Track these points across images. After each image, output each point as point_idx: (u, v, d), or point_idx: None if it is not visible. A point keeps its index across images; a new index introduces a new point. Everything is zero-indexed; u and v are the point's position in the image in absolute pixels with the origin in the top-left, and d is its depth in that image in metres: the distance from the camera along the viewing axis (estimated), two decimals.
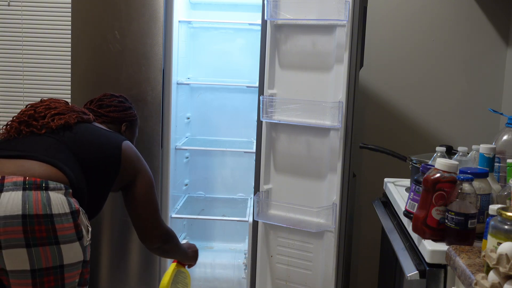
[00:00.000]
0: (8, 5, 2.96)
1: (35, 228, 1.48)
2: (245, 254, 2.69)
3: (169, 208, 2.49)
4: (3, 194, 1.48)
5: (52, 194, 1.52)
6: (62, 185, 1.55)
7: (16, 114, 1.75)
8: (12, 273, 1.49)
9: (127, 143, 1.84)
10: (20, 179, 1.50)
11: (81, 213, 1.59)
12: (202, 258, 2.83)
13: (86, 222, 1.62)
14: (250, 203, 2.74)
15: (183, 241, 2.18)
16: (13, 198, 1.47)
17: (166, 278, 2.05)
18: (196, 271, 2.79)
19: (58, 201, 1.52)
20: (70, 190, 1.58)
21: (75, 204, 1.57)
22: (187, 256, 2.13)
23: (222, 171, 2.98)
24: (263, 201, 2.31)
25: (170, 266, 2.10)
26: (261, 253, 2.36)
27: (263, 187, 2.32)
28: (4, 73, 2.99)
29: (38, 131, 1.66)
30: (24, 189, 1.49)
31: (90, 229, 1.64)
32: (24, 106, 1.79)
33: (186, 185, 2.95)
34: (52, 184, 1.53)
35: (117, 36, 2.18)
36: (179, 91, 2.62)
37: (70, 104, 1.85)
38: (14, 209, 1.47)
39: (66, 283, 1.56)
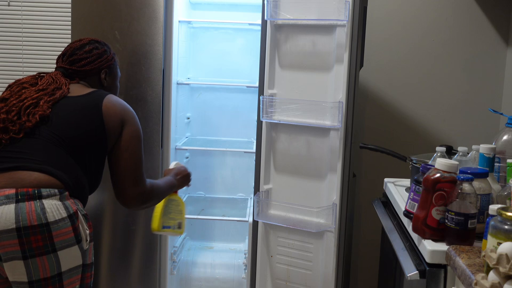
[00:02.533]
0: (8, 5, 2.96)
1: (31, 239, 1.48)
2: (245, 254, 2.69)
3: None
4: None
5: (46, 202, 1.51)
6: (56, 190, 1.54)
7: None
8: (14, 283, 1.51)
9: (106, 100, 1.72)
10: (12, 191, 1.49)
11: (80, 215, 1.58)
12: (202, 258, 2.84)
13: (85, 224, 1.61)
14: (250, 203, 2.74)
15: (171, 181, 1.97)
16: (6, 212, 1.47)
17: (157, 214, 1.94)
18: (196, 271, 2.79)
19: (54, 207, 1.51)
20: (66, 193, 1.56)
21: (73, 206, 1.56)
22: (176, 186, 2.00)
23: (222, 171, 2.98)
24: (263, 201, 2.31)
25: None
26: (261, 253, 2.36)
27: (263, 187, 2.32)
28: (4, 73, 2.99)
29: (17, 136, 1.60)
30: (17, 201, 1.48)
31: (88, 231, 1.61)
32: None
33: None
34: (45, 191, 1.52)
35: (117, 36, 2.18)
36: (179, 91, 2.62)
37: (38, 77, 1.76)
38: (7, 223, 1.46)
39: None
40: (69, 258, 1.54)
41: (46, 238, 1.49)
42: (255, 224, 2.35)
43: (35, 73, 1.83)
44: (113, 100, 1.76)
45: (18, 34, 2.98)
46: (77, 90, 1.76)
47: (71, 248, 1.54)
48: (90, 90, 1.78)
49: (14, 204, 1.47)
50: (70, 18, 2.40)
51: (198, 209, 2.80)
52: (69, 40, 2.42)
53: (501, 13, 2.75)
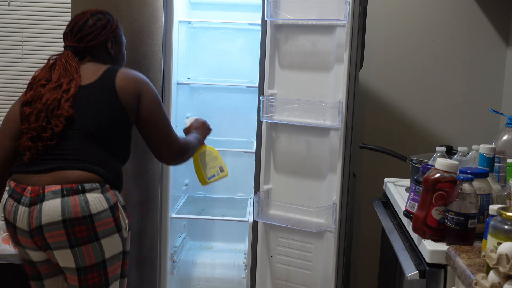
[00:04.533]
0: (8, 5, 2.96)
1: (76, 230, 1.63)
2: (245, 254, 2.69)
3: (169, 208, 2.49)
4: (44, 203, 1.62)
5: (89, 195, 1.65)
6: (97, 184, 1.68)
7: (24, 126, 1.75)
8: (64, 269, 1.70)
9: (119, 79, 1.80)
10: (58, 187, 1.63)
11: (119, 206, 1.73)
12: (202, 258, 2.84)
13: (124, 214, 1.76)
14: (250, 203, 2.74)
15: (190, 139, 2.10)
16: (53, 206, 1.62)
17: (199, 171, 2.17)
18: (196, 271, 2.79)
19: (96, 200, 1.66)
20: (107, 185, 1.71)
21: (113, 198, 1.71)
22: (202, 139, 2.19)
23: None
24: (263, 201, 2.31)
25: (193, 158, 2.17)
26: (261, 253, 2.36)
27: (263, 187, 2.32)
28: (4, 73, 2.99)
29: (51, 142, 1.70)
30: (62, 196, 1.63)
31: (127, 221, 1.76)
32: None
33: (186, 185, 2.95)
34: (87, 186, 1.66)
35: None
36: (179, 91, 2.61)
37: (51, 66, 1.81)
38: (55, 216, 1.62)
39: (109, 277, 1.71)
40: (111, 245, 1.69)
41: (90, 228, 1.64)
42: (255, 224, 2.35)
43: (41, 65, 1.86)
44: (125, 76, 1.82)
45: (18, 34, 2.98)
46: (89, 73, 1.81)
47: (112, 236, 1.69)
48: (100, 70, 1.83)
49: (60, 199, 1.62)
50: (70, 18, 2.39)
51: (198, 209, 2.80)
52: None
53: (501, 13, 2.75)
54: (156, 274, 2.47)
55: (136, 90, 1.82)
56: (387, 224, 1.94)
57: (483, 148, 1.63)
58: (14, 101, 3.02)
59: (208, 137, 2.90)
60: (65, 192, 1.63)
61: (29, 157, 1.70)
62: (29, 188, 1.65)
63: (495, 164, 1.67)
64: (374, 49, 2.76)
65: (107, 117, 1.77)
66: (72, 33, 1.87)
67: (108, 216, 1.68)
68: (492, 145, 1.65)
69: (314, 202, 2.25)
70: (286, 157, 2.30)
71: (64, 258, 1.67)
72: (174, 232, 2.67)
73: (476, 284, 1.15)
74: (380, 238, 2.26)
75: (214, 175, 2.22)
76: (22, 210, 1.65)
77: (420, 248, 1.53)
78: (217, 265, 2.81)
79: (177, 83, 2.55)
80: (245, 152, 2.68)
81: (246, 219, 2.55)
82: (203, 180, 2.21)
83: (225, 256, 2.87)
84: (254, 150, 2.39)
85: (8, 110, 1.89)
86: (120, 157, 1.85)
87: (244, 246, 2.86)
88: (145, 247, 2.44)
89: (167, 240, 2.49)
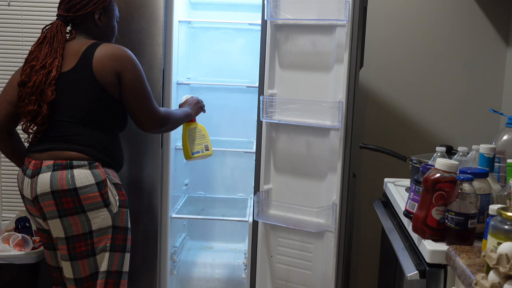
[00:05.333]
0: (8, 5, 2.96)
1: (63, 201, 1.80)
2: (245, 254, 2.69)
3: (169, 208, 2.49)
4: (39, 176, 1.82)
5: (76, 171, 1.81)
6: (86, 162, 1.83)
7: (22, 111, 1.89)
8: (57, 239, 1.85)
9: (95, 61, 1.85)
10: (51, 162, 1.82)
11: (109, 183, 1.85)
12: (202, 258, 2.84)
13: (115, 191, 1.88)
14: (250, 203, 2.74)
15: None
16: (44, 178, 1.81)
17: (184, 144, 2.31)
18: (196, 271, 2.79)
19: (82, 175, 1.81)
20: (96, 163, 1.85)
21: (102, 175, 1.84)
22: (192, 115, 2.29)
23: (222, 171, 2.98)
24: (263, 201, 2.31)
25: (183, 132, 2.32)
26: (261, 253, 2.36)
27: (263, 187, 2.32)
28: (4, 73, 2.99)
29: (42, 127, 1.86)
30: (53, 170, 1.81)
31: (117, 198, 1.87)
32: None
33: (186, 185, 2.95)
34: (76, 162, 1.82)
35: (117, 36, 2.18)
36: (179, 91, 2.61)
37: (42, 41, 1.91)
38: (45, 187, 1.80)
39: (96, 247, 1.83)
40: (99, 219, 1.83)
41: (75, 200, 1.80)
42: (255, 224, 2.35)
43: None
44: (101, 57, 1.87)
45: (18, 34, 2.98)
46: (71, 54, 1.88)
47: (99, 210, 1.82)
48: (80, 51, 1.88)
49: (51, 172, 1.80)
50: None
51: (198, 209, 2.80)
52: None
53: (501, 13, 2.75)
54: (156, 274, 2.47)
55: (115, 69, 1.87)
56: (387, 224, 1.94)
57: (483, 148, 1.63)
58: None
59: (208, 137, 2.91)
60: (55, 167, 1.81)
61: (29, 139, 1.92)
62: (33, 161, 1.86)
63: (495, 164, 1.67)
64: (374, 49, 2.76)
65: (90, 100, 1.87)
66: (64, 2, 1.95)
67: (94, 190, 1.81)
68: (492, 145, 1.65)
69: (314, 202, 2.25)
70: (286, 157, 2.30)
71: (55, 227, 1.83)
72: (174, 232, 2.67)
73: (476, 284, 1.15)
74: (380, 238, 2.26)
75: (199, 152, 2.36)
76: (26, 181, 1.86)
77: (420, 248, 1.53)
78: (217, 265, 2.81)
79: (177, 83, 2.55)
80: (245, 152, 2.67)
81: (246, 219, 2.55)
82: (187, 154, 2.34)
83: (225, 256, 2.87)
84: (254, 150, 2.39)
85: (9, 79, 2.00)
86: (116, 130, 1.98)
87: (244, 246, 2.86)
88: (145, 247, 2.44)
89: (167, 240, 2.49)
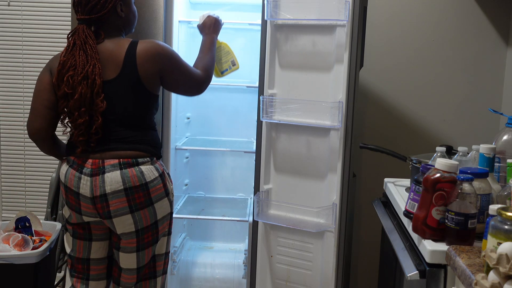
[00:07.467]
0: (8, 5, 2.96)
1: (135, 196, 1.88)
2: (245, 254, 2.69)
3: None
4: (106, 175, 1.86)
5: (143, 167, 1.90)
6: (147, 158, 1.92)
7: (70, 123, 1.92)
8: (122, 235, 1.92)
9: (140, 65, 1.89)
10: (116, 161, 1.88)
11: (165, 173, 1.98)
12: (202, 258, 2.84)
13: (170, 180, 2.01)
14: (250, 203, 2.74)
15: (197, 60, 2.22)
16: (114, 177, 1.86)
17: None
18: (196, 271, 2.79)
19: (148, 170, 1.91)
20: (154, 158, 1.95)
21: (160, 167, 1.96)
22: (214, 38, 2.31)
23: (222, 171, 2.98)
24: (263, 201, 2.31)
25: None
26: (261, 253, 2.36)
27: (263, 187, 2.32)
28: (4, 73, 2.99)
29: (99, 136, 1.89)
30: (121, 168, 1.87)
31: (172, 186, 2.01)
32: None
33: (186, 185, 2.95)
34: (140, 159, 1.91)
35: None
36: None
37: (71, 48, 1.87)
38: (117, 186, 1.86)
39: (159, 234, 1.97)
40: (162, 208, 1.94)
41: (146, 194, 1.89)
42: (255, 224, 2.35)
43: (35, 73, 1.85)
44: (145, 63, 1.91)
45: (18, 34, 2.98)
46: (110, 61, 1.89)
47: (163, 200, 1.94)
48: (120, 56, 1.90)
49: (119, 171, 1.87)
50: (70, 18, 2.39)
51: (198, 209, 2.80)
52: None
53: (501, 13, 2.75)
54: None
55: (157, 70, 1.94)
56: (387, 224, 1.94)
57: (483, 148, 1.63)
58: (14, 101, 3.01)
59: (208, 137, 2.91)
60: (122, 166, 1.87)
61: (81, 150, 1.91)
62: (90, 160, 1.89)
63: (495, 164, 1.67)
64: (374, 49, 2.77)
65: (138, 103, 1.94)
66: (81, 5, 1.91)
67: (159, 183, 1.92)
68: (492, 145, 1.65)
69: (314, 202, 2.25)
70: (286, 157, 2.30)
71: (124, 223, 1.89)
72: (174, 232, 2.67)
73: (476, 284, 1.15)
74: (380, 238, 2.26)
75: (227, 69, 2.46)
76: (85, 179, 1.88)
77: (420, 248, 1.53)
78: (217, 265, 2.81)
79: None
80: (245, 152, 2.67)
81: (246, 219, 2.55)
82: (217, 73, 2.43)
83: (225, 256, 2.87)
84: (254, 150, 2.39)
85: (36, 81, 1.97)
86: (155, 123, 2.06)
87: (244, 246, 2.86)
88: None
89: None
